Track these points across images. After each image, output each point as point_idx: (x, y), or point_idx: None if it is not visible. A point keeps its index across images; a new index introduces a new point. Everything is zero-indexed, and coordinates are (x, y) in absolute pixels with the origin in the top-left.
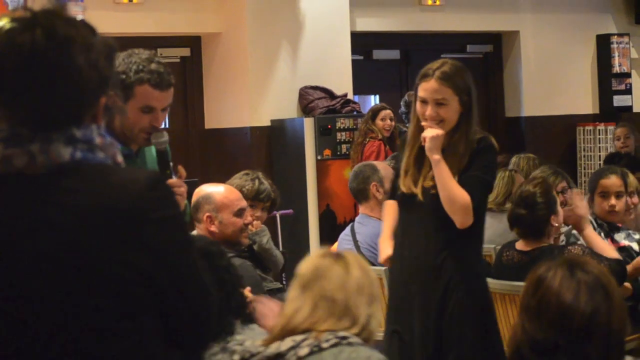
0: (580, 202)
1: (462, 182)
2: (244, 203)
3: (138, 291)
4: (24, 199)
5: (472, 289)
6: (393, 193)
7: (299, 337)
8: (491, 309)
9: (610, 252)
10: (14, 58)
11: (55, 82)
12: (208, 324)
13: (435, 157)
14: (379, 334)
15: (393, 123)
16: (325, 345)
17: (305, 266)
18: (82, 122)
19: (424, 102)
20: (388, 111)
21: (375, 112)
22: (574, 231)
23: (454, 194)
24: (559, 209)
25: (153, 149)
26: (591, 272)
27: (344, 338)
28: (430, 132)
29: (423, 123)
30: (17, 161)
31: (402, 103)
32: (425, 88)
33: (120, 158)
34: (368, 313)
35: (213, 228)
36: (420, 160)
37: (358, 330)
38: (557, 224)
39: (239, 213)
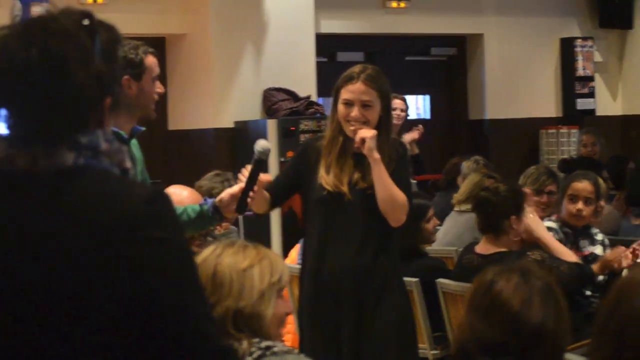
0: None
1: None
2: None
3: (118, 311)
4: (23, 198)
5: (404, 292)
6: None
7: None
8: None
9: (569, 256)
10: (10, 79)
11: (54, 100)
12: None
13: (376, 156)
14: None
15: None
16: (249, 359)
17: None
18: (87, 128)
19: (349, 104)
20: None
21: None
22: None
23: (394, 193)
24: (524, 217)
25: (136, 143)
26: (543, 280)
27: (268, 348)
28: (369, 132)
29: (351, 128)
30: (19, 161)
31: None
32: (352, 90)
33: (129, 164)
34: (264, 299)
35: None
36: (342, 160)
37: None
38: (516, 228)
39: None
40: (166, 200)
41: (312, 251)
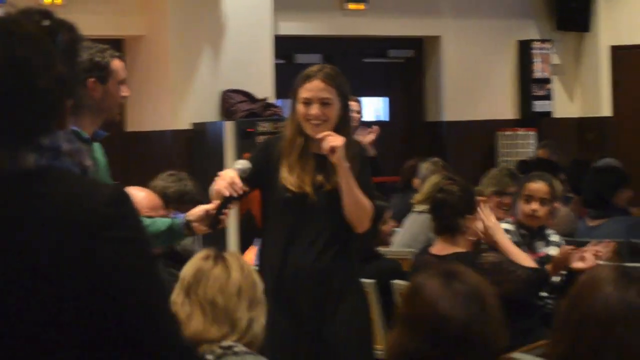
0: (486, 213)
1: (360, 187)
2: (155, 213)
3: (82, 310)
4: None
5: (362, 295)
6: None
7: None
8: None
9: (526, 260)
10: None
11: (16, 104)
12: None
13: (345, 165)
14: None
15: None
16: (210, 357)
17: (187, 269)
18: (48, 130)
19: (308, 102)
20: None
21: None
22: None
23: (362, 202)
24: (479, 215)
25: (99, 147)
26: (468, 282)
27: (229, 348)
28: (338, 140)
29: (319, 136)
30: None
31: None
32: (310, 88)
33: (89, 162)
34: (249, 317)
35: None
36: (303, 160)
37: (238, 337)
38: (471, 226)
39: None
40: (129, 201)
41: (274, 251)
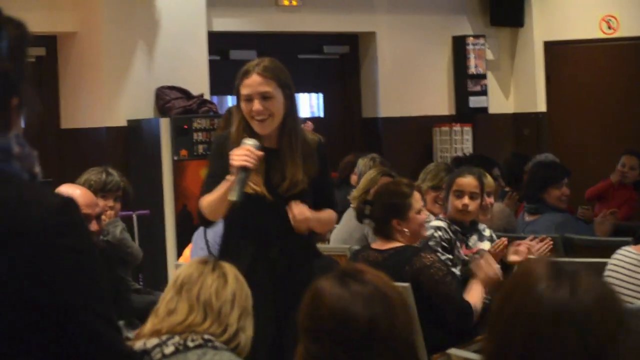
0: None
1: (321, 189)
2: (92, 210)
3: (26, 320)
4: None
5: None
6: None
7: (165, 336)
8: None
9: (473, 298)
10: None
11: None
12: None
13: (314, 217)
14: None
15: None
16: (190, 344)
17: (184, 270)
18: None
19: (249, 99)
20: None
21: None
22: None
23: (329, 219)
24: (411, 215)
25: None
26: (367, 281)
27: (209, 341)
28: (304, 214)
29: (264, 131)
30: None
31: None
32: (249, 84)
33: (37, 168)
34: (238, 326)
35: None
36: None
37: (227, 338)
38: (405, 229)
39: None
40: (76, 208)
41: (235, 253)
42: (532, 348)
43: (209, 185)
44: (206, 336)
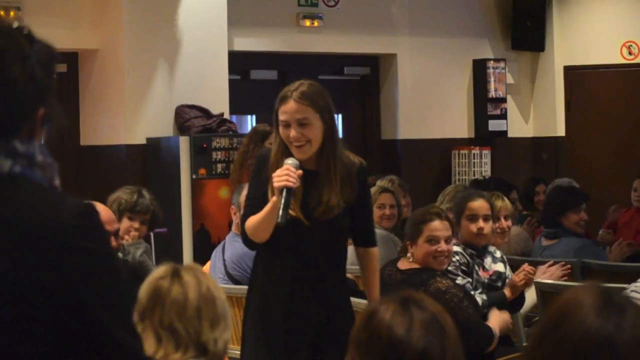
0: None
1: (360, 215)
2: (110, 227)
3: (45, 319)
4: None
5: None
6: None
7: None
8: None
9: (493, 322)
10: None
11: None
12: None
13: None
14: (234, 352)
15: None
16: None
17: (143, 290)
18: (19, 133)
19: (287, 125)
20: None
21: (265, 135)
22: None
23: (378, 269)
24: (420, 242)
25: None
26: (427, 309)
27: None
28: None
29: (302, 156)
30: None
31: None
32: (285, 110)
33: (57, 181)
34: (214, 337)
35: None
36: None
37: (207, 354)
38: (413, 252)
39: None
40: (96, 214)
41: (270, 276)
42: None
43: (250, 207)
44: None
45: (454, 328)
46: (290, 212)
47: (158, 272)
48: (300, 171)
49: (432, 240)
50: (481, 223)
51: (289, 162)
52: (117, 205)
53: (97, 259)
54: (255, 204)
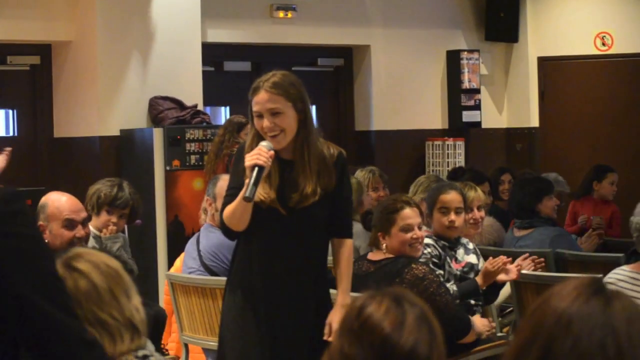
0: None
1: (338, 205)
2: (77, 215)
3: None
4: None
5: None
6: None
7: None
8: None
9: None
10: None
11: None
12: (72, 353)
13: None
14: (210, 343)
15: None
16: None
17: None
18: None
19: (260, 115)
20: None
21: (240, 126)
22: (465, 240)
23: (351, 263)
24: (394, 231)
25: None
26: (417, 306)
27: (145, 357)
28: (334, 324)
29: (277, 146)
30: None
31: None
32: (257, 101)
33: None
34: (135, 307)
35: (46, 238)
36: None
37: (140, 332)
38: (383, 242)
39: (69, 224)
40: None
41: (251, 263)
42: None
43: (229, 197)
44: (140, 353)
45: (439, 326)
46: (264, 197)
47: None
48: (272, 152)
49: (407, 228)
50: (452, 216)
51: (263, 144)
52: (97, 198)
53: (25, 242)
54: (234, 193)
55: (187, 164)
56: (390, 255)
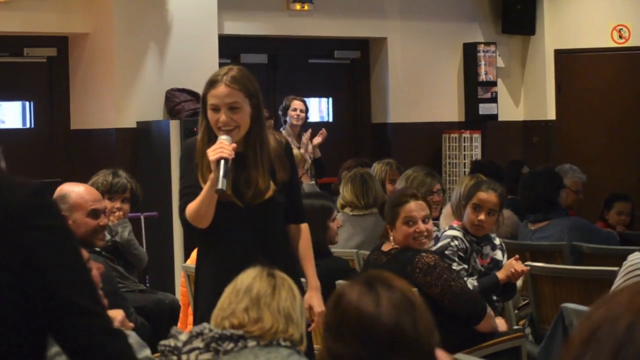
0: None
1: (292, 194)
2: (100, 205)
3: (10, 297)
4: None
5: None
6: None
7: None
8: None
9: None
10: None
11: None
12: (97, 343)
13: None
14: None
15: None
16: (282, 343)
17: (256, 282)
18: None
19: (216, 109)
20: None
21: None
22: (448, 231)
23: (311, 251)
24: (398, 224)
25: None
26: (394, 287)
27: (294, 344)
28: (319, 313)
29: (221, 137)
30: None
31: (280, 108)
32: (216, 94)
33: (3, 164)
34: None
35: None
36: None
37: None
38: (392, 234)
39: (93, 214)
40: (48, 192)
41: (212, 256)
42: None
43: (187, 196)
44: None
45: (424, 303)
46: (227, 198)
47: (261, 271)
48: (234, 144)
49: (410, 221)
50: (483, 216)
51: (223, 137)
52: (95, 189)
53: (54, 234)
54: (191, 191)
55: None
56: (397, 246)
